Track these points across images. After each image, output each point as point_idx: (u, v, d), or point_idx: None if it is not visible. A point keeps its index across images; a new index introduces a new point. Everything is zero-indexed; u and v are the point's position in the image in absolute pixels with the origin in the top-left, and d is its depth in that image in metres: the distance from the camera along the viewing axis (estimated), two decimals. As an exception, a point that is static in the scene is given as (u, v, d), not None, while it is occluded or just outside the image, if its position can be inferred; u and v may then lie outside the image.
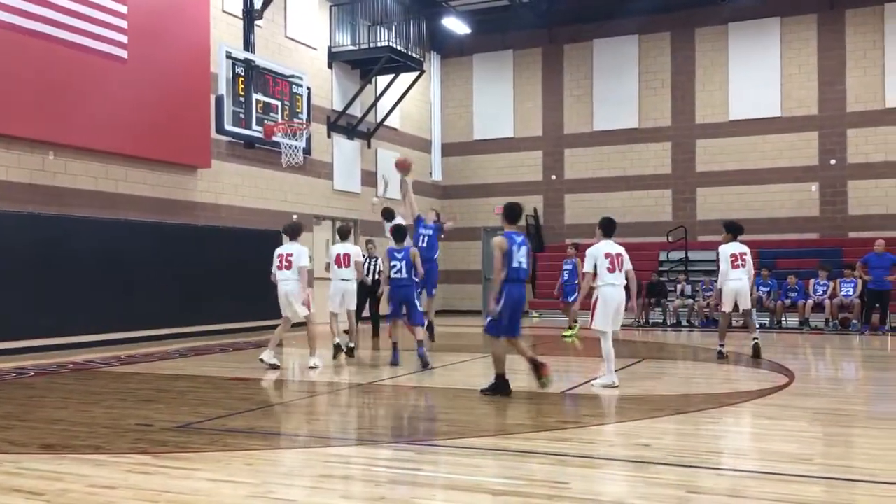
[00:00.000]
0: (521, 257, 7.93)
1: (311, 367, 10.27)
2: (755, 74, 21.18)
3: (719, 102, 21.63)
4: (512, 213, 8.18)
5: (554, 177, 23.33)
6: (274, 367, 10.23)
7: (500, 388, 8.11)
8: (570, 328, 14.78)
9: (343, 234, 12.22)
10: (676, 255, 20.62)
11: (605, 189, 22.50)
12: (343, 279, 11.78)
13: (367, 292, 14.31)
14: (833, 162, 20.53)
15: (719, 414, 7.18)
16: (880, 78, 20.11)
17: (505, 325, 8.01)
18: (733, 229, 11.19)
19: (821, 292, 17.12)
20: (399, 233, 10.82)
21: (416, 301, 10.73)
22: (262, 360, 10.27)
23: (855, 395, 8.70)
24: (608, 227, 8.87)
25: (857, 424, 6.70)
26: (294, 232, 10.52)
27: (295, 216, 17.70)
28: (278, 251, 10.43)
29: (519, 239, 7.99)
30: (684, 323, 18.06)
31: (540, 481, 4.87)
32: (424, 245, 11.83)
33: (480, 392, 8.15)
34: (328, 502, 4.49)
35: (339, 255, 11.80)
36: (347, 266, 11.76)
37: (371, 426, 7.23)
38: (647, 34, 22.34)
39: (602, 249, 8.64)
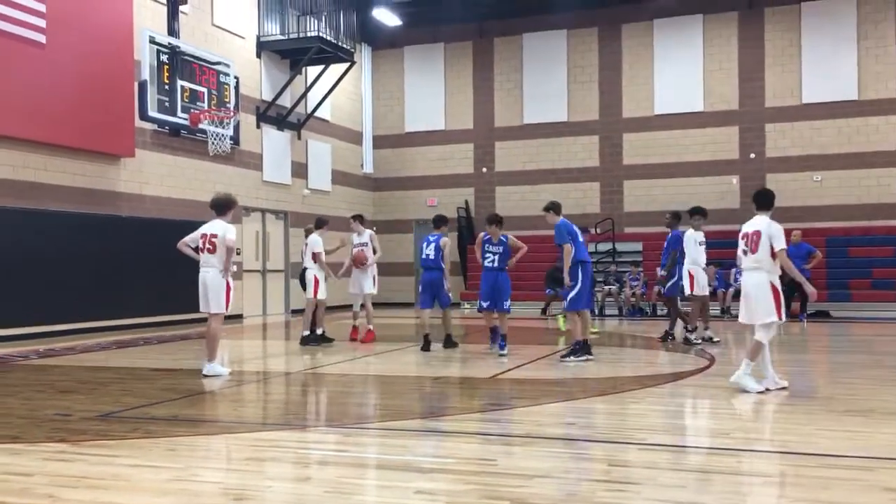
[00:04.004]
0: (427, 251, 10.97)
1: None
2: (679, 70, 21.71)
3: (645, 97, 22.09)
4: (436, 220, 11.47)
5: (485, 169, 23.49)
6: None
7: (424, 344, 10.88)
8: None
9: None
10: (604, 246, 21.00)
11: (535, 182, 22.75)
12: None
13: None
14: (753, 156, 21.18)
15: (643, 395, 7.35)
16: (797, 75, 20.84)
17: (421, 299, 11.14)
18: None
19: (741, 281, 17.66)
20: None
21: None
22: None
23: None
24: (758, 199, 7.62)
25: (773, 402, 6.94)
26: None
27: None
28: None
29: (431, 238, 11.07)
30: (612, 313, 18.42)
31: (467, 459, 4.92)
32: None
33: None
34: (253, 483, 4.44)
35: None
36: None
37: (299, 412, 7.17)
38: (575, 29, 22.65)
39: (742, 229, 7.56)
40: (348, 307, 13.47)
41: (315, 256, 11.91)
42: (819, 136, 20.60)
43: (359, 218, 12.60)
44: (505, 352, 10.20)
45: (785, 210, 20.71)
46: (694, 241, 11.57)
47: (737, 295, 17.45)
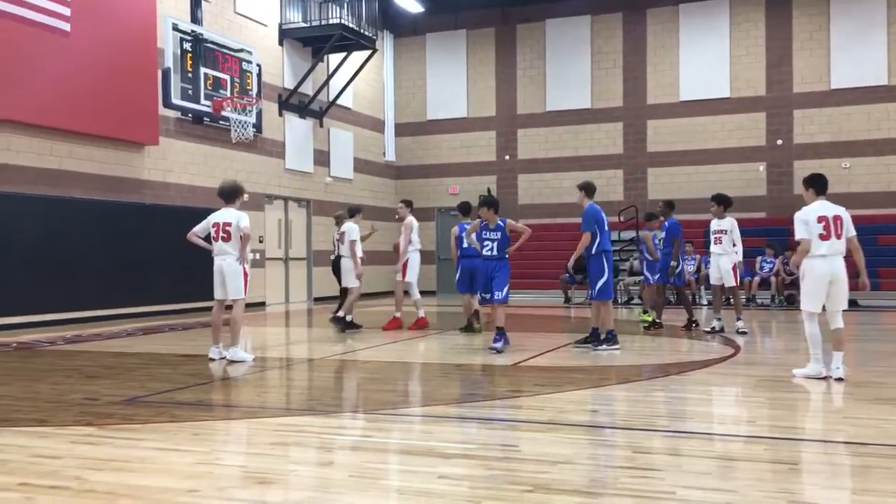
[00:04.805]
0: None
1: None
2: (705, 55, 21.46)
3: (670, 83, 21.88)
4: (462, 209, 11.64)
5: (507, 157, 23.40)
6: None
7: (467, 326, 11.41)
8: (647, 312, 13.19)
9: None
10: (628, 234, 20.86)
11: (558, 169, 22.63)
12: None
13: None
14: (780, 142, 20.93)
15: (666, 382, 7.30)
16: (825, 60, 20.53)
17: (461, 285, 11.39)
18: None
19: (767, 269, 17.51)
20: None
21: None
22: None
23: (798, 364, 8.89)
24: (820, 184, 7.29)
25: (799, 390, 6.86)
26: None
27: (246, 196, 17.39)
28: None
29: (468, 227, 10.58)
30: (636, 301, 18.30)
31: (490, 445, 4.91)
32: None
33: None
34: (277, 467, 4.46)
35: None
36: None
37: (322, 397, 7.19)
38: (598, 14, 22.46)
39: (814, 212, 7.13)
40: (381, 295, 13.64)
41: (351, 245, 11.93)
42: (848, 122, 20.31)
43: (402, 204, 12.48)
44: (499, 346, 9.25)
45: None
46: (709, 231, 11.54)
47: (763, 283, 17.34)
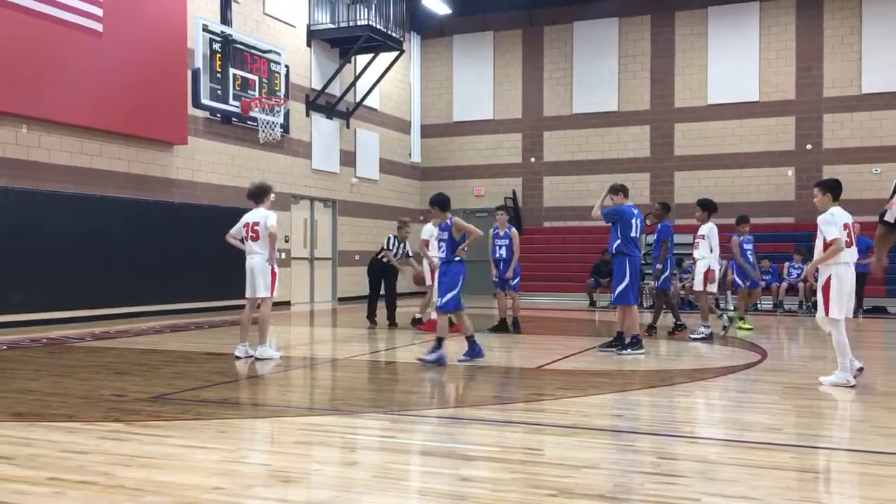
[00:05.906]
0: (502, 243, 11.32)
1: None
2: (734, 59, 21.28)
3: (698, 86, 21.71)
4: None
5: (533, 159, 23.35)
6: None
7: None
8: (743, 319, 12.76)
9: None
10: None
11: (584, 172, 22.56)
12: None
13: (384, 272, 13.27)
14: (809, 147, 20.69)
15: (692, 388, 7.25)
16: (857, 64, 20.28)
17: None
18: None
19: (794, 275, 17.31)
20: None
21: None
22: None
23: (825, 371, 8.78)
24: (838, 190, 7.40)
25: (827, 398, 6.79)
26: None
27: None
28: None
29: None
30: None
31: (513, 448, 4.90)
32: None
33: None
34: (301, 466, 4.49)
35: None
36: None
37: (347, 397, 7.22)
38: (627, 17, 22.35)
39: (840, 218, 7.15)
40: (410, 296, 13.70)
41: (422, 244, 12.09)
42: (879, 127, 20.04)
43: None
44: (430, 358, 8.43)
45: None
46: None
47: (790, 289, 17.14)
